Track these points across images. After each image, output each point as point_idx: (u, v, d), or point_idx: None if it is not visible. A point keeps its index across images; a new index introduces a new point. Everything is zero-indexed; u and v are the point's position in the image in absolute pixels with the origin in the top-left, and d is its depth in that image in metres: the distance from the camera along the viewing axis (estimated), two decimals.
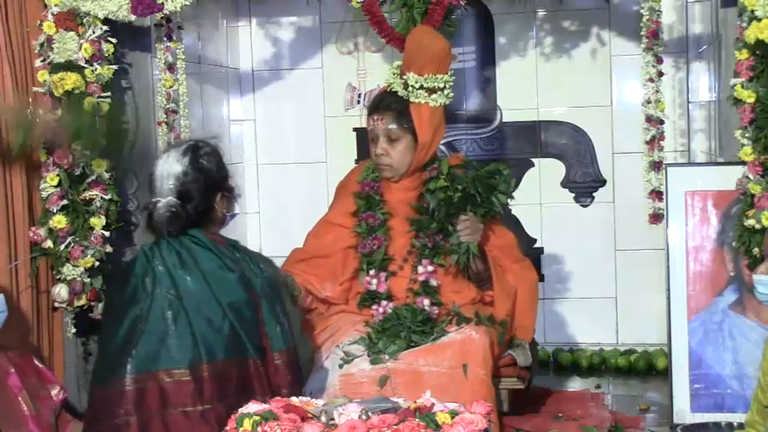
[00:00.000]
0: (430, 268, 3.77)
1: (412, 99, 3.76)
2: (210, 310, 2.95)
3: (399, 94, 3.80)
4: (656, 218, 4.16)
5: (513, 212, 5.25)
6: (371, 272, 3.80)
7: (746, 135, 3.64)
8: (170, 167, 3.10)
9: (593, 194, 5.32)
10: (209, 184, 3.13)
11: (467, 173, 3.82)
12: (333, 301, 3.88)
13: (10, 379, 3.13)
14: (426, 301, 3.73)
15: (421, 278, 3.77)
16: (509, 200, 3.83)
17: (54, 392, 3.22)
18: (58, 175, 4.02)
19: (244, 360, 2.95)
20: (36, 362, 3.22)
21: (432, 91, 3.75)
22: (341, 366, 3.64)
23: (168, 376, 2.90)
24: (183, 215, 3.05)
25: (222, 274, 3.00)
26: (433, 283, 3.78)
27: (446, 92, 3.77)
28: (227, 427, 2.56)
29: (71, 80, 3.99)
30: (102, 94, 4.08)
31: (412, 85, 3.74)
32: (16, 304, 3.89)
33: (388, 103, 3.80)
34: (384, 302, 3.77)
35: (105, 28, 4.11)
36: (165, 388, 2.89)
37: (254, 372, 2.95)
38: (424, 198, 3.80)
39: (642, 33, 4.11)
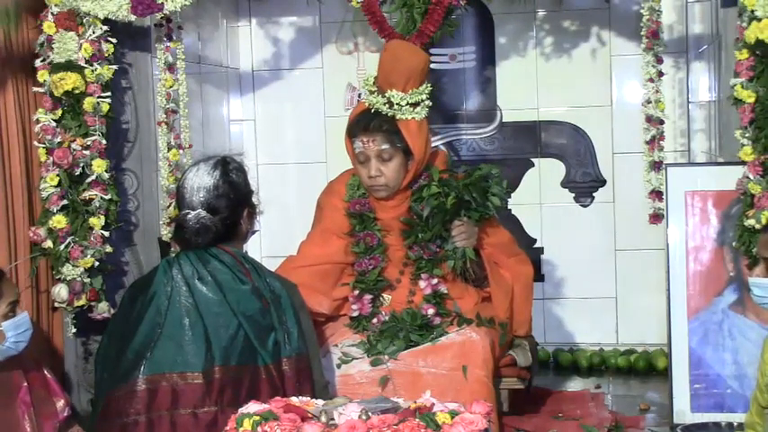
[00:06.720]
0: (434, 281, 3.76)
1: (399, 116, 3.71)
2: (225, 318, 2.99)
3: (383, 112, 3.72)
4: (656, 218, 4.16)
5: (513, 212, 5.27)
6: (355, 292, 3.79)
7: (746, 135, 3.65)
8: (200, 180, 3.13)
9: (593, 194, 5.32)
10: (238, 198, 3.17)
11: (454, 173, 3.81)
12: (326, 315, 3.86)
13: (21, 393, 3.14)
14: (431, 311, 3.73)
15: (427, 291, 3.76)
16: (506, 199, 3.82)
17: (59, 406, 3.23)
18: (57, 175, 4.02)
19: (256, 368, 2.98)
20: (46, 372, 3.24)
21: (415, 105, 3.73)
22: (339, 366, 3.64)
23: (182, 378, 2.94)
24: (212, 228, 3.09)
25: (236, 285, 3.04)
26: (443, 289, 3.78)
27: (426, 102, 3.75)
28: (228, 427, 2.57)
29: (71, 80, 3.99)
30: (103, 94, 4.09)
31: (398, 103, 3.70)
32: None
33: (377, 124, 3.71)
34: (381, 315, 3.77)
35: (105, 28, 4.11)
36: (177, 389, 2.93)
37: (267, 378, 2.97)
38: (413, 209, 3.78)
39: (642, 33, 4.12)
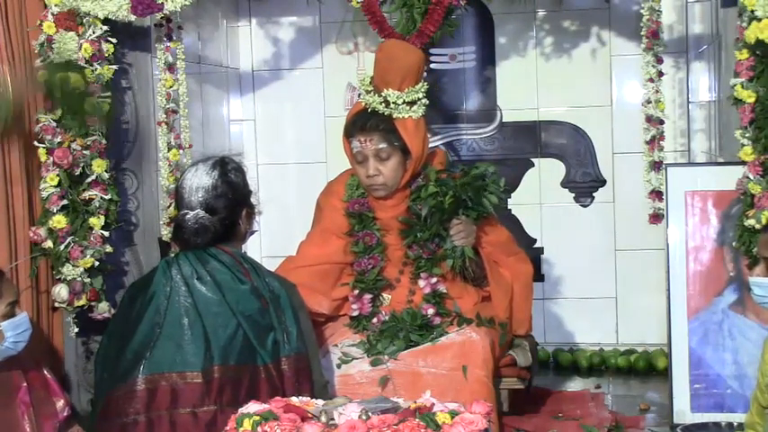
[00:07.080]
0: (433, 280, 3.76)
1: (395, 115, 3.71)
2: (224, 318, 3.00)
3: (380, 111, 3.72)
4: (656, 218, 4.16)
5: (513, 212, 5.27)
6: (355, 292, 3.79)
7: (746, 135, 3.65)
8: (199, 180, 3.14)
9: (593, 194, 5.32)
10: (237, 198, 3.17)
11: (452, 172, 3.81)
12: (326, 316, 3.86)
13: (21, 393, 3.14)
14: (431, 311, 3.73)
15: (426, 290, 3.77)
16: (503, 198, 3.82)
17: (59, 406, 3.23)
18: (57, 175, 4.02)
19: (255, 367, 2.98)
20: (45, 372, 3.24)
21: (412, 103, 3.73)
22: (339, 366, 3.64)
23: (181, 378, 2.94)
24: (211, 228, 3.10)
25: (235, 285, 3.05)
26: (442, 289, 3.78)
27: (423, 100, 3.75)
28: (228, 427, 2.57)
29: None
30: (102, 94, 4.08)
31: (394, 102, 3.69)
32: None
33: (374, 124, 3.71)
34: (381, 314, 3.78)
35: (105, 28, 4.11)
36: (177, 389, 2.93)
37: (266, 378, 2.97)
38: (411, 209, 3.78)
39: (642, 33, 4.12)
